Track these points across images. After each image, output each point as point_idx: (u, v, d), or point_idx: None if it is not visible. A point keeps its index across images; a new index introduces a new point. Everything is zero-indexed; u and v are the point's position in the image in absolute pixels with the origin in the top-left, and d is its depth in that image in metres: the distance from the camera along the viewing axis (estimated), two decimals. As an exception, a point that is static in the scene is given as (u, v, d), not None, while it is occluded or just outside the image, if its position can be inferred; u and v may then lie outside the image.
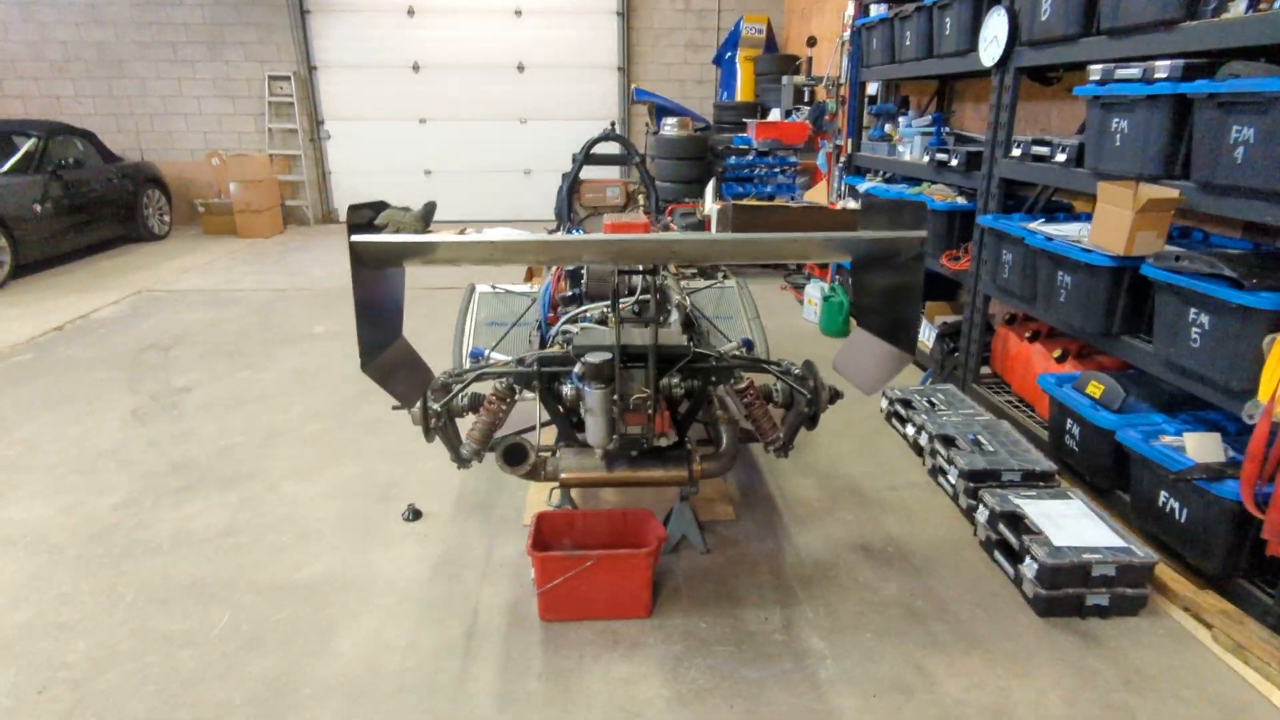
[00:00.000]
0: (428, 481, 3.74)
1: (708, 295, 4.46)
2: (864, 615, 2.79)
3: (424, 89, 10.99)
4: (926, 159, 5.03)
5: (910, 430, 4.08)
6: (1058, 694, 2.42)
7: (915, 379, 5.02)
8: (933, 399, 4.19)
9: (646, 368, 2.62)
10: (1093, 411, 3.27)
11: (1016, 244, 3.86)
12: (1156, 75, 2.93)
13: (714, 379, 2.86)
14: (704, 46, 11.06)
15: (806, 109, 8.16)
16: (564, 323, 3.20)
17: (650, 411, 2.59)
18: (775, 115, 8.68)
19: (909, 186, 5.41)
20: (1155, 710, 2.36)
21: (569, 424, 3.01)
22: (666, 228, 3.54)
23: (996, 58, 4.10)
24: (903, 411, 4.22)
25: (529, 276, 6.07)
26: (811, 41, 8.52)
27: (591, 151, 4.06)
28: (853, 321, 6.21)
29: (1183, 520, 2.81)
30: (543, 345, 3.28)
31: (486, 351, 3.88)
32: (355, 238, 1.93)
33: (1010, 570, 2.97)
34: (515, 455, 2.69)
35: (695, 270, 4.65)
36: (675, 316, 3.30)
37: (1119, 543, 2.81)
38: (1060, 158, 3.65)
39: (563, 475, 2.78)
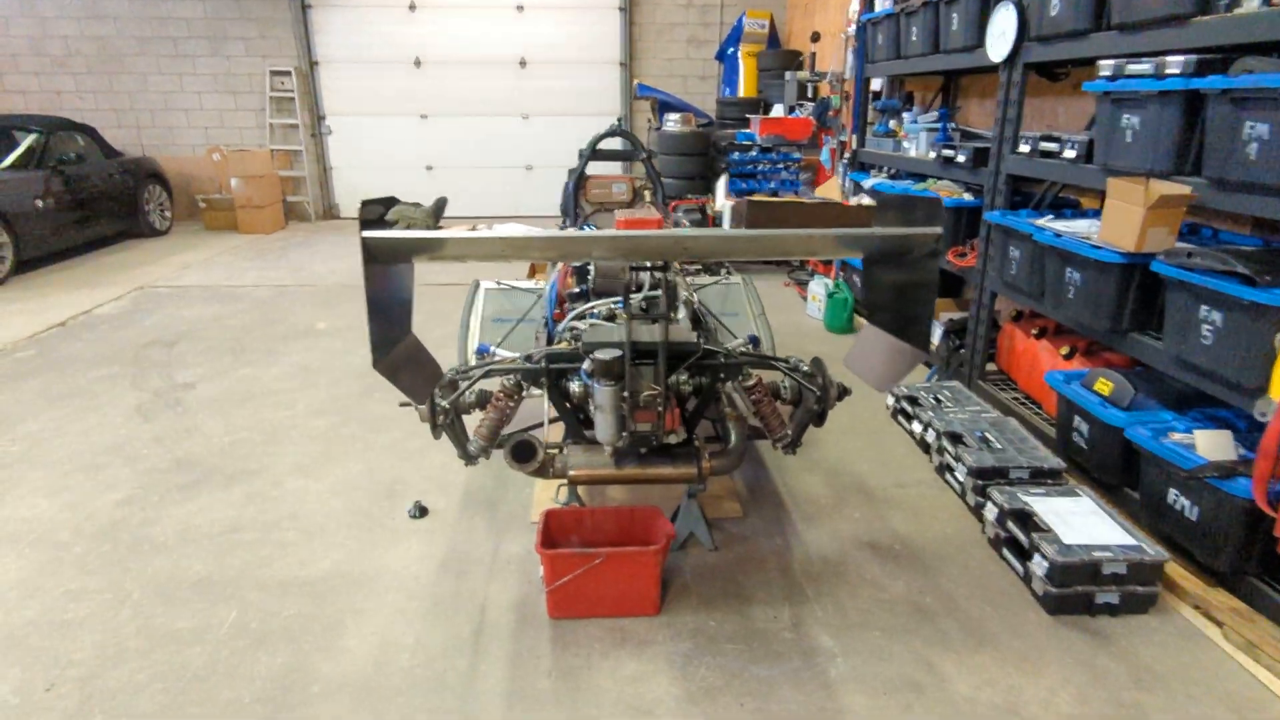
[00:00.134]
0: (434, 478, 3.73)
1: (713, 292, 4.44)
2: (873, 613, 2.79)
3: (426, 84, 10.96)
4: (933, 155, 5.02)
5: (917, 427, 4.07)
6: (1068, 692, 2.41)
7: (921, 376, 5.01)
8: (939, 396, 4.17)
9: (656, 364, 2.61)
10: (1102, 409, 3.26)
11: (1024, 240, 3.84)
12: (1168, 71, 2.91)
13: (722, 376, 2.85)
14: (706, 42, 11.02)
15: (810, 105, 8.13)
16: (571, 319, 3.19)
17: (660, 409, 2.57)
18: (778, 111, 8.65)
19: (914, 183, 5.40)
20: (1167, 708, 2.35)
21: (577, 421, 3.00)
22: (678, 223, 3.52)
23: (1005, 53, 4.08)
24: (909, 408, 4.21)
25: (532, 273, 6.05)
26: (815, 37, 8.48)
27: (598, 147, 4.04)
28: (858, 318, 6.20)
29: (1193, 518, 2.80)
30: (549, 342, 3.26)
31: (492, 348, 3.86)
32: (367, 233, 1.91)
33: (1019, 568, 2.97)
34: (524, 452, 2.68)
35: (699, 266, 4.63)
36: (683, 313, 3.29)
37: (1129, 540, 2.81)
38: (1069, 154, 3.63)
39: (571, 472, 2.77)
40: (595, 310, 3.17)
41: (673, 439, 2.75)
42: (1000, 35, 4.13)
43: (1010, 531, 3.04)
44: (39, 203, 7.82)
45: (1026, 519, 2.99)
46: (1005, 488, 3.20)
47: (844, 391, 2.94)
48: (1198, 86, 2.78)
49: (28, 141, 8.13)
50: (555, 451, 2.85)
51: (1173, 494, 2.89)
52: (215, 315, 6.48)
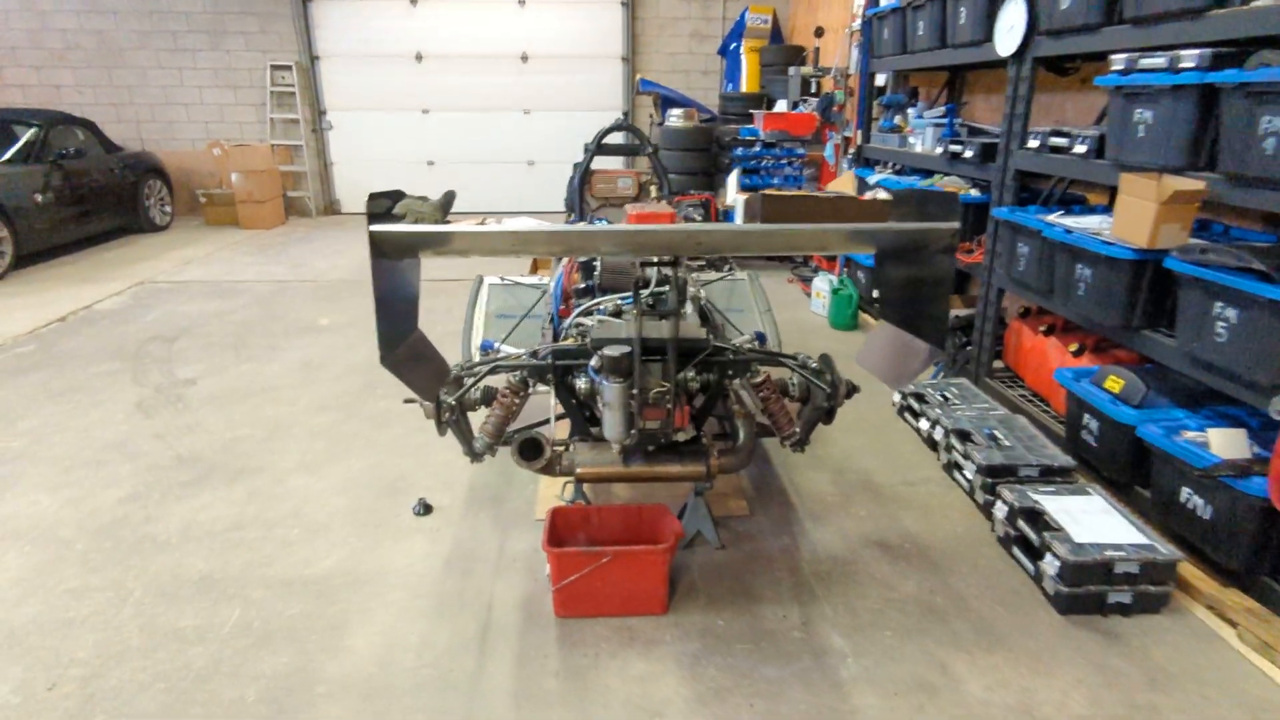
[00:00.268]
0: (438, 475, 3.70)
1: (719, 288, 4.41)
2: (883, 612, 2.76)
3: (427, 79, 10.91)
4: (939, 150, 4.98)
5: (924, 425, 4.04)
6: (1082, 693, 2.38)
7: (927, 373, 4.97)
8: (946, 393, 4.14)
9: (665, 361, 2.58)
10: (1112, 407, 3.23)
11: (1033, 237, 3.81)
12: (1183, 65, 2.87)
13: (731, 373, 2.82)
14: (709, 37, 10.97)
15: (814, 100, 8.09)
16: (577, 315, 3.15)
17: (669, 406, 2.54)
18: (782, 106, 8.61)
19: (920, 178, 5.36)
20: (1182, 710, 2.32)
21: (583, 417, 2.97)
22: (689, 218, 3.49)
23: (1013, 48, 4.04)
24: (915, 406, 4.18)
25: (534, 268, 6.02)
26: (819, 32, 8.44)
27: (603, 141, 4.00)
28: (863, 315, 6.17)
29: (1206, 517, 2.77)
30: (555, 338, 3.23)
31: (496, 344, 3.83)
32: (374, 227, 1.88)
33: (1030, 567, 2.94)
34: (531, 450, 2.65)
35: (704, 262, 4.60)
36: (690, 309, 3.26)
37: (1141, 539, 2.78)
38: (1079, 149, 3.60)
39: (578, 470, 2.74)
40: (602, 306, 3.14)
41: (681, 437, 2.72)
42: (1009, 29, 4.09)
43: (1020, 530, 3.01)
44: (38, 197, 7.77)
45: (1037, 518, 2.96)
46: (1015, 486, 3.17)
47: (853, 389, 2.92)
48: (1213, 80, 2.75)
49: (27, 136, 8.08)
50: (562, 449, 2.82)
51: (1185, 492, 2.86)
52: (216, 311, 6.44)
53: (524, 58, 10.91)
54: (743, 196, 1.98)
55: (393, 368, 1.99)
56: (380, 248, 1.91)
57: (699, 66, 11.10)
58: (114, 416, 4.37)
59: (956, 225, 1.96)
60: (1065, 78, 4.66)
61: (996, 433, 3.59)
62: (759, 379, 2.82)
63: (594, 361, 2.58)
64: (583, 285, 3.38)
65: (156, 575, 2.96)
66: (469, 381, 2.83)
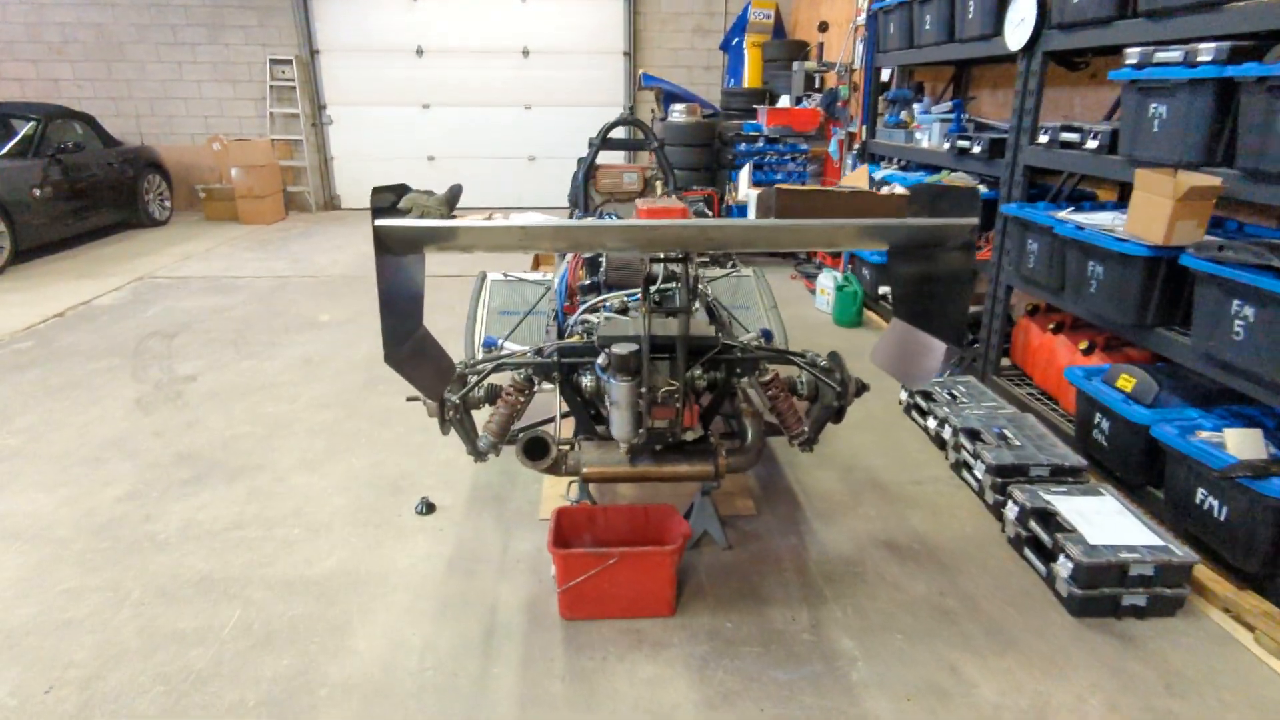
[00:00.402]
0: (440, 473, 3.65)
1: (724, 285, 4.37)
2: (894, 615, 2.72)
3: (428, 74, 10.84)
4: (947, 146, 4.93)
5: (931, 423, 3.99)
6: (1098, 698, 2.34)
7: (933, 371, 4.93)
8: (953, 391, 4.10)
9: (673, 359, 2.53)
10: (1125, 406, 3.19)
11: (1043, 233, 3.76)
12: (1200, 58, 2.82)
13: (739, 371, 2.77)
14: (711, 32, 10.90)
15: (817, 96, 8.04)
16: (583, 312, 3.11)
17: (679, 405, 2.50)
18: (785, 102, 8.55)
19: (926, 174, 5.31)
20: (1200, 716, 2.28)
21: (589, 416, 2.92)
22: (700, 213, 3.44)
23: (1024, 41, 3.99)
24: (923, 404, 4.13)
25: (536, 264, 5.97)
26: (823, 27, 8.38)
27: (608, 136, 3.95)
28: (868, 312, 6.13)
29: (1222, 518, 2.73)
30: (560, 335, 3.18)
31: (500, 341, 3.79)
32: (379, 222, 1.83)
33: (1042, 568, 2.89)
34: (536, 449, 2.60)
35: (708, 258, 4.55)
36: (697, 306, 3.21)
37: (1156, 541, 2.73)
38: (1091, 144, 3.55)
39: (584, 470, 2.69)
40: (608, 303, 3.09)
41: (689, 436, 2.68)
42: (1019, 23, 4.03)
43: (1032, 531, 2.97)
44: (36, 192, 7.72)
45: (1049, 518, 2.92)
46: (1026, 486, 3.13)
47: (862, 387, 2.87)
48: (1232, 74, 2.70)
49: (25, 130, 8.02)
50: (567, 448, 2.78)
51: (1201, 493, 2.82)
52: (216, 306, 6.39)
53: (525, 52, 10.84)
54: (755, 191, 1.93)
55: (397, 366, 1.95)
56: (385, 243, 1.86)
57: (701, 62, 11.03)
58: (113, 413, 4.32)
59: (976, 221, 1.91)
60: (1073, 73, 4.61)
61: (1006, 432, 3.55)
62: (767, 377, 2.77)
63: (601, 359, 2.53)
64: (588, 282, 3.33)
65: (155, 575, 2.91)
66: (473, 379, 2.78)
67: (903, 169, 5.84)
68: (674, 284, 2.96)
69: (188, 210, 10.87)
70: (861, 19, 6.59)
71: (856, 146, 6.65)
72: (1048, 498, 3.01)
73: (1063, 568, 2.73)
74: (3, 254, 7.29)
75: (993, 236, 4.43)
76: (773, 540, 3.15)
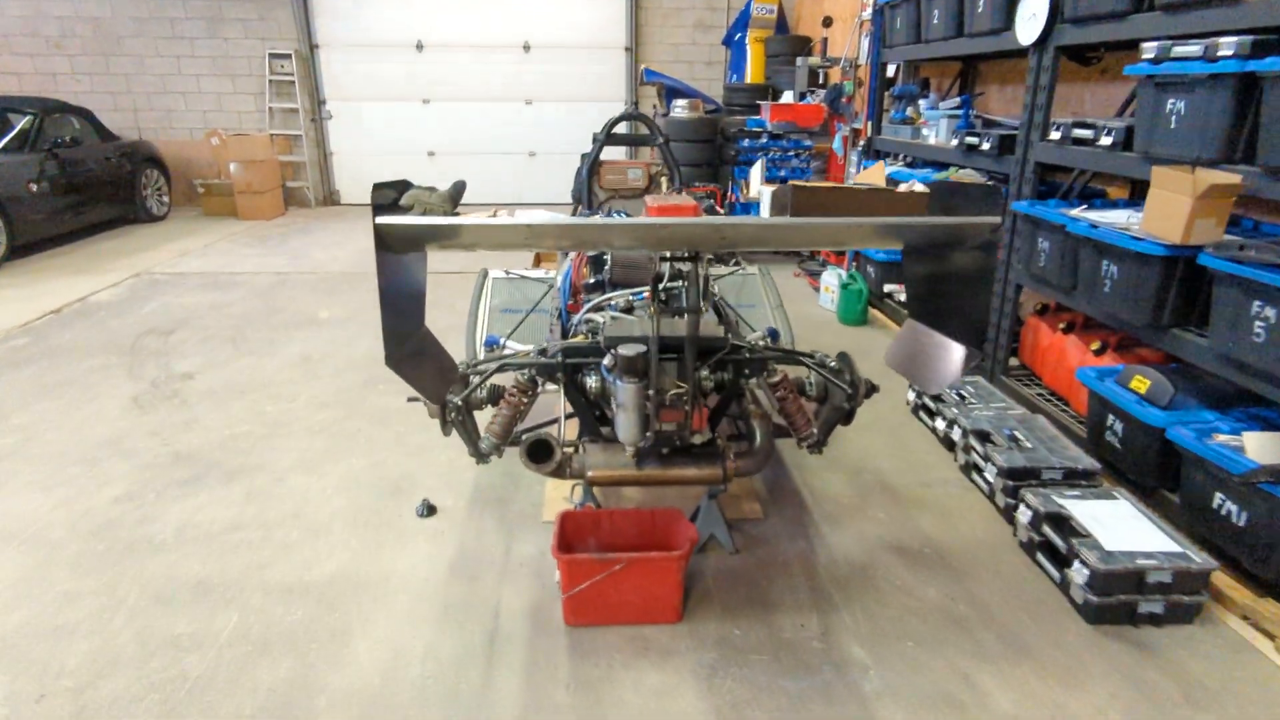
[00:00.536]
0: (441, 475, 3.59)
1: (729, 283, 4.31)
2: (905, 622, 2.66)
3: (428, 69, 10.76)
4: (955, 142, 4.86)
5: (940, 424, 3.93)
6: (1117, 709, 2.28)
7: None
8: (962, 392, 4.04)
9: (681, 360, 2.47)
10: (1139, 408, 3.13)
11: (1055, 231, 3.70)
12: (1220, 53, 2.76)
13: (747, 371, 2.71)
14: (713, 27, 10.82)
15: (821, 91, 7.96)
16: (587, 310, 3.04)
17: (688, 408, 2.43)
18: (788, 97, 8.47)
19: (933, 171, 5.25)
20: (1221, 727, 2.23)
21: (593, 417, 2.86)
22: (711, 210, 3.37)
23: (1035, 36, 3.92)
24: (931, 404, 4.07)
25: (537, 261, 5.91)
26: (827, 22, 8.30)
27: (613, 131, 3.89)
28: (873, 310, 6.07)
29: (1241, 524, 2.67)
30: (564, 334, 3.12)
31: (502, 340, 3.73)
32: (380, 219, 1.77)
33: (1056, 574, 2.84)
34: (540, 452, 2.54)
35: (712, 256, 4.48)
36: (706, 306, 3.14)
37: (1174, 547, 2.68)
38: (1105, 141, 3.48)
39: (589, 473, 2.63)
40: (613, 301, 3.02)
41: (697, 439, 2.62)
42: (1031, 17, 3.97)
43: (1045, 536, 2.91)
44: (33, 186, 7.64)
45: (1063, 523, 2.86)
46: (1038, 490, 3.07)
47: (872, 388, 2.81)
48: (1254, 69, 2.63)
49: (22, 124, 7.94)
50: (572, 450, 2.71)
51: (1219, 498, 2.76)
52: (214, 303, 6.33)
53: (526, 47, 10.76)
54: (769, 188, 1.86)
55: (398, 368, 1.89)
56: (386, 241, 1.79)
57: (703, 57, 10.95)
58: (109, 412, 4.26)
59: (999, 220, 1.85)
60: (1083, 68, 4.55)
61: (1017, 433, 3.49)
62: (776, 378, 2.71)
63: (607, 360, 2.47)
64: (592, 280, 3.27)
65: (151, 579, 2.85)
66: (475, 380, 2.72)
67: (909, 165, 5.77)
68: (680, 282, 2.90)
69: (186, 205, 10.79)
70: (867, 13, 6.51)
71: (861, 143, 6.58)
72: (1061, 502, 2.95)
73: (1078, 574, 2.67)
74: (-1, 249, 7.23)
75: (1001, 234, 4.36)
76: (780, 544, 3.10)
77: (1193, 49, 2.88)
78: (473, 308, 4.03)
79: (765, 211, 1.90)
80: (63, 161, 8.12)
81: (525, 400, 2.68)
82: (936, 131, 5.26)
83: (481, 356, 3.67)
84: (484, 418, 2.75)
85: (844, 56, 7.46)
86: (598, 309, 3.02)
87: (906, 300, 2.34)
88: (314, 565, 2.94)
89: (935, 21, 5.08)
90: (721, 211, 3.50)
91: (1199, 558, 2.62)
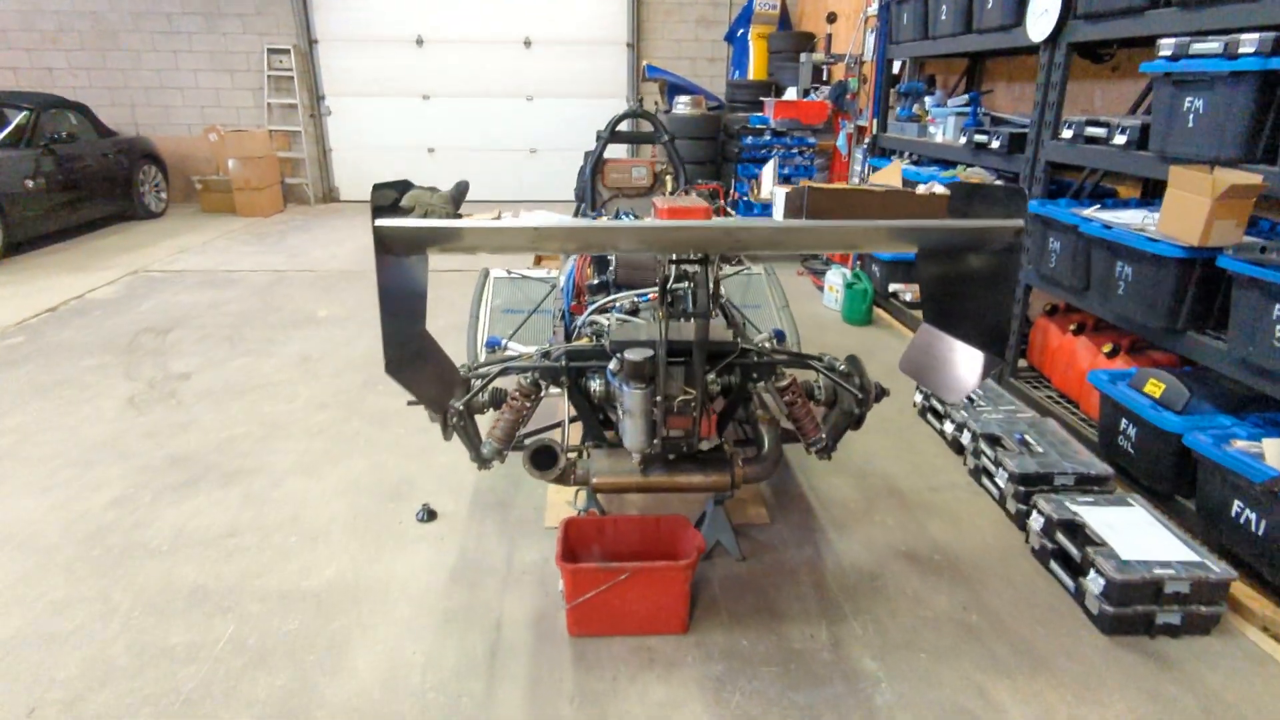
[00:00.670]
0: (441, 478, 3.53)
1: (734, 283, 4.24)
2: (917, 632, 2.60)
3: (428, 64, 10.68)
4: (963, 140, 4.80)
5: (949, 427, 3.87)
6: (1135, 724, 2.23)
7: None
8: (971, 394, 3.97)
9: (689, 365, 2.40)
10: (1153, 412, 3.07)
11: (1067, 232, 3.63)
12: (1241, 50, 2.69)
13: (755, 375, 2.65)
14: (716, 23, 10.74)
15: (825, 88, 7.89)
16: (592, 312, 2.98)
17: (696, 414, 2.37)
18: (791, 94, 8.40)
19: (941, 169, 5.18)
20: (1243, 744, 2.17)
21: (597, 421, 2.80)
22: (721, 211, 3.31)
23: (1047, 32, 3.85)
24: (939, 407, 4.01)
25: (538, 260, 5.84)
26: (831, 18, 8.23)
27: (617, 129, 3.82)
28: (878, 310, 6.00)
29: (1260, 533, 2.61)
30: (567, 336, 3.06)
31: (504, 341, 3.66)
32: (380, 221, 1.70)
33: (1070, 583, 2.78)
34: (544, 459, 2.48)
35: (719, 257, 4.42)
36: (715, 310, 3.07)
37: (1191, 556, 2.62)
38: (1119, 139, 3.42)
39: (595, 480, 2.57)
40: (618, 303, 2.96)
41: (704, 445, 2.55)
42: (1042, 13, 3.90)
43: (1059, 543, 2.85)
44: (29, 183, 7.57)
45: (1077, 530, 2.80)
46: (1051, 496, 3.01)
47: (882, 392, 2.74)
48: (1276, 67, 2.57)
49: (18, 119, 7.86)
50: (575, 455, 2.65)
51: (1237, 506, 2.70)
52: (212, 301, 6.26)
53: (527, 42, 10.67)
54: (782, 189, 1.80)
55: (398, 376, 1.82)
56: (386, 244, 1.73)
57: (705, 53, 10.87)
58: (104, 413, 4.20)
59: (1022, 223, 1.78)
60: (1094, 65, 4.48)
61: (1028, 437, 3.43)
62: (785, 382, 2.64)
63: (613, 365, 2.41)
64: (596, 281, 3.20)
65: (146, 586, 2.79)
66: (477, 384, 2.65)
67: (915, 164, 5.70)
68: (686, 283, 2.83)
69: (184, 202, 10.72)
70: (873, 9, 6.44)
71: (866, 140, 6.51)
72: (1075, 509, 2.89)
73: (1093, 584, 2.61)
74: (-5, 246, 7.16)
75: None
76: (788, 551, 3.04)
77: (1212, 46, 2.81)
78: (474, 308, 3.97)
79: (778, 214, 1.83)
80: (59, 157, 8.04)
81: (528, 404, 2.62)
82: (944, 129, 5.20)
83: (483, 358, 3.61)
84: (485, 421, 2.68)
85: (848, 53, 7.39)
86: (602, 311, 2.96)
87: (921, 304, 2.27)
88: (312, 572, 2.88)
89: (943, 17, 5.01)
90: (726, 210, 3.43)
91: (1217, 567, 2.56)
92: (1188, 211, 2.83)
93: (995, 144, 4.39)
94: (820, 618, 2.66)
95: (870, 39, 6.77)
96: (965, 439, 3.68)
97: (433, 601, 2.72)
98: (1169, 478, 3.07)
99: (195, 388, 4.53)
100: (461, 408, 2.55)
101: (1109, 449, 3.39)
